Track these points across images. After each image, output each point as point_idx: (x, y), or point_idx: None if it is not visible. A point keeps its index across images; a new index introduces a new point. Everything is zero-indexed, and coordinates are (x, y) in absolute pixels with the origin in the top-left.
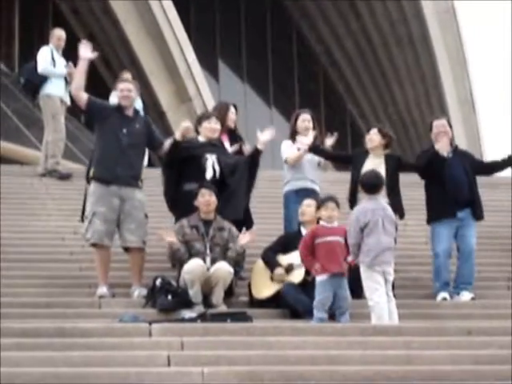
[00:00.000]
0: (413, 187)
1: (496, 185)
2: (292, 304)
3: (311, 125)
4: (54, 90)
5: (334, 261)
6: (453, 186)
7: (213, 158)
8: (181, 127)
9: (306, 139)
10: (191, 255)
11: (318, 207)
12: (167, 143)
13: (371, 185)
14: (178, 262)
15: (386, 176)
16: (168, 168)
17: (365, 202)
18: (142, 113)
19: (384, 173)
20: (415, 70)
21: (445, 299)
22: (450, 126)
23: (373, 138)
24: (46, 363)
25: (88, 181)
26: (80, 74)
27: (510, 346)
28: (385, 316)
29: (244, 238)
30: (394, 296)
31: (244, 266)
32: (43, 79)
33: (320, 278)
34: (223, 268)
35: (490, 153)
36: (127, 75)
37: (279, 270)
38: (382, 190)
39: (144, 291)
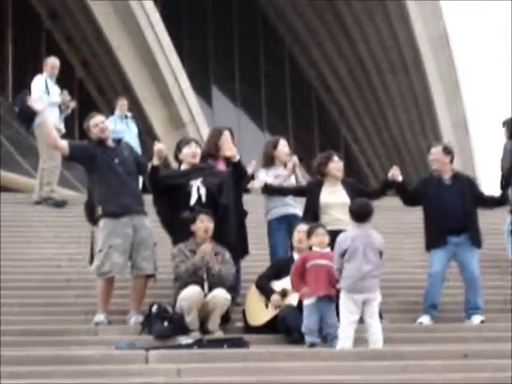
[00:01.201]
0: (406, 211)
1: None
2: (292, 326)
3: (286, 149)
4: (52, 116)
5: (321, 284)
6: (445, 213)
7: (197, 183)
8: (155, 150)
9: (257, 182)
10: (194, 280)
11: (309, 235)
12: (148, 168)
13: (359, 213)
14: (179, 277)
15: (351, 200)
16: (156, 195)
17: (350, 229)
18: (137, 140)
19: (346, 199)
20: (408, 95)
21: (420, 323)
22: (449, 153)
23: (341, 165)
24: None
25: (95, 221)
26: (47, 126)
27: (507, 369)
28: (348, 343)
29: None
30: (381, 318)
31: (240, 292)
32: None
33: (307, 302)
34: (221, 295)
35: (484, 175)
36: (123, 101)
37: (275, 297)
38: (369, 218)
39: (140, 318)
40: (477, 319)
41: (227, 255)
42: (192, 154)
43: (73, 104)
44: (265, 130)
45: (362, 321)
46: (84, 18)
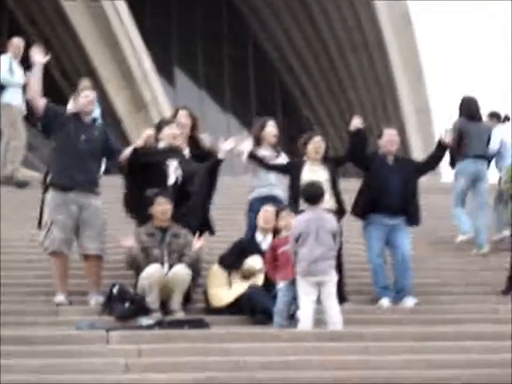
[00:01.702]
0: None
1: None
2: (258, 305)
3: (276, 130)
4: (13, 99)
5: (290, 269)
6: (385, 191)
7: (174, 164)
8: (144, 134)
9: (246, 144)
10: (149, 262)
11: (277, 216)
12: (127, 150)
13: (311, 196)
14: (136, 268)
15: (330, 180)
16: (130, 175)
17: (304, 213)
18: (99, 120)
19: (327, 176)
20: (370, 76)
21: (380, 306)
22: (403, 142)
23: (321, 146)
24: (4, 371)
25: (45, 189)
26: (35, 79)
27: (466, 351)
28: (307, 324)
29: (197, 243)
30: (344, 301)
31: (201, 273)
32: (1, 88)
33: (280, 285)
34: (180, 272)
35: (446, 160)
36: (87, 83)
37: (248, 263)
38: (321, 201)
39: (101, 299)
40: (410, 301)
41: (189, 237)
42: (172, 135)
43: None
44: (228, 112)
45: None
46: (48, 1)
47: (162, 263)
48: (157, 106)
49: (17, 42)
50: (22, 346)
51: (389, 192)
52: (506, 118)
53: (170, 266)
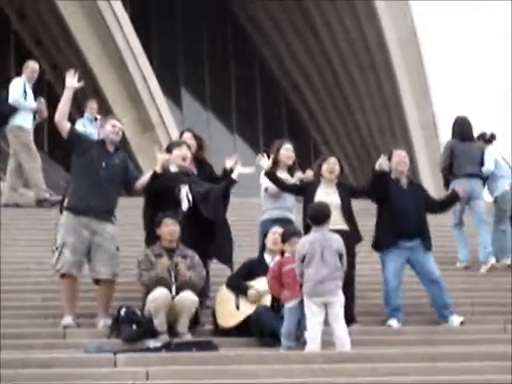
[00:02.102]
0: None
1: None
2: (266, 326)
3: (292, 154)
4: (24, 122)
5: (298, 288)
6: (401, 216)
7: (186, 188)
8: (161, 159)
9: (264, 162)
10: (157, 282)
11: (283, 240)
12: (146, 176)
13: (316, 216)
14: (144, 286)
15: (342, 203)
16: (149, 201)
17: (310, 234)
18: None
19: (339, 201)
20: (378, 97)
21: (389, 326)
22: (410, 159)
23: (335, 168)
24: None
25: (61, 211)
26: (65, 101)
27: (475, 372)
28: (314, 345)
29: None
30: (353, 322)
31: (209, 294)
32: (13, 110)
33: (288, 305)
34: (188, 297)
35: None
36: (93, 104)
37: (253, 290)
38: (327, 222)
39: (109, 321)
40: (456, 320)
41: (196, 258)
42: (183, 156)
43: (45, 114)
44: (235, 133)
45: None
46: (53, 20)
47: (170, 286)
48: (163, 127)
49: (32, 65)
50: (29, 368)
51: (405, 215)
52: (492, 137)
53: (178, 289)
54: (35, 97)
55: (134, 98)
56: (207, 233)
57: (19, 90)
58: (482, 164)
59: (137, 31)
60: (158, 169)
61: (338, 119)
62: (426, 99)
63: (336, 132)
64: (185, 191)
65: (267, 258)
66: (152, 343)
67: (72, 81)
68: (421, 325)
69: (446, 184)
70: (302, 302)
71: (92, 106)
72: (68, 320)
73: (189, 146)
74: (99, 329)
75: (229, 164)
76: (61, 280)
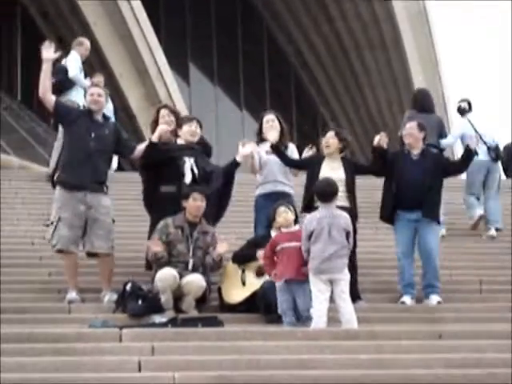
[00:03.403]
0: (381, 190)
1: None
2: (272, 301)
3: (276, 124)
4: (79, 99)
5: (289, 267)
6: (406, 188)
7: (191, 161)
8: (159, 129)
9: (245, 148)
10: (172, 255)
11: (273, 214)
12: (142, 146)
13: (324, 193)
14: (158, 266)
15: (346, 179)
16: (145, 170)
17: (317, 210)
18: (113, 116)
19: (343, 176)
20: (387, 73)
21: (402, 303)
22: (423, 129)
23: (330, 141)
24: (16, 369)
25: (53, 184)
26: (45, 75)
27: (482, 350)
28: (321, 323)
29: (221, 247)
30: (357, 299)
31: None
32: (71, 84)
33: (277, 284)
34: (195, 282)
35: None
36: (99, 78)
37: (260, 252)
38: (335, 198)
39: (114, 296)
40: (434, 299)
41: (216, 237)
42: (191, 132)
43: None
44: (242, 108)
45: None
46: None
47: (187, 259)
48: (171, 102)
49: (87, 43)
50: (34, 343)
51: (410, 186)
52: (464, 110)
53: (194, 264)
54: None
55: (141, 72)
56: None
57: (77, 65)
58: (441, 136)
59: (144, 4)
60: (155, 137)
61: (346, 95)
62: (435, 77)
63: (344, 108)
64: (189, 164)
65: (273, 233)
66: (158, 318)
67: (48, 53)
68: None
69: None
70: (289, 281)
71: (98, 79)
72: (72, 295)
73: (199, 123)
74: (104, 304)
75: (243, 150)
76: (60, 255)
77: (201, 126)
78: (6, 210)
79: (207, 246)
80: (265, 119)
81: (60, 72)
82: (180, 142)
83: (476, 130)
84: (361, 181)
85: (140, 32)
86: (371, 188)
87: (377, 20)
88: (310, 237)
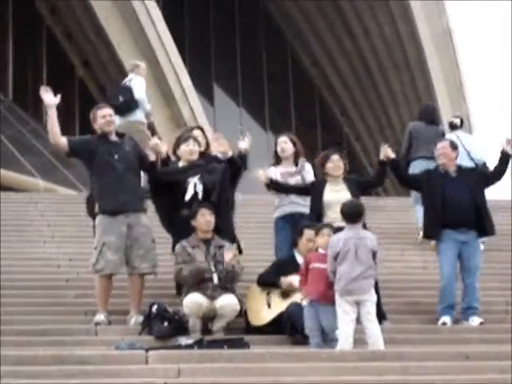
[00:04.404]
0: (407, 211)
1: (495, 208)
2: (298, 323)
3: (289, 145)
4: (144, 119)
5: (314, 288)
6: (450, 206)
7: (194, 180)
8: (150, 146)
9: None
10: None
11: (316, 234)
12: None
13: (350, 214)
14: (183, 281)
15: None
16: (154, 192)
17: (343, 231)
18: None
19: (349, 196)
20: (411, 93)
21: (444, 324)
22: (455, 148)
23: (339, 165)
24: None
25: (93, 217)
26: (52, 121)
27: (509, 371)
28: (347, 344)
29: (227, 255)
30: (383, 319)
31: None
32: (136, 106)
33: (303, 304)
34: (230, 306)
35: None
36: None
37: (285, 280)
38: (361, 219)
39: (140, 318)
40: (475, 321)
41: (232, 248)
42: (189, 151)
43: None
44: (267, 129)
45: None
46: (84, 15)
47: (212, 276)
48: (196, 124)
49: (144, 66)
50: (61, 365)
51: (456, 206)
52: (454, 125)
53: (219, 279)
54: None
55: (166, 94)
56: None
57: (144, 87)
58: None
59: (169, 27)
60: (152, 156)
61: (371, 115)
62: (460, 97)
63: (369, 128)
64: (193, 183)
65: (297, 256)
66: (184, 340)
67: (48, 97)
68: (453, 323)
69: (407, 165)
70: (314, 302)
71: (142, 65)
72: (100, 317)
73: (196, 140)
74: (131, 326)
75: (240, 144)
76: (99, 279)
77: (203, 131)
78: (32, 233)
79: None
80: (277, 142)
81: (126, 92)
82: (181, 163)
83: (464, 147)
84: (382, 202)
85: (165, 54)
86: (395, 209)
87: (401, 40)
88: (336, 258)
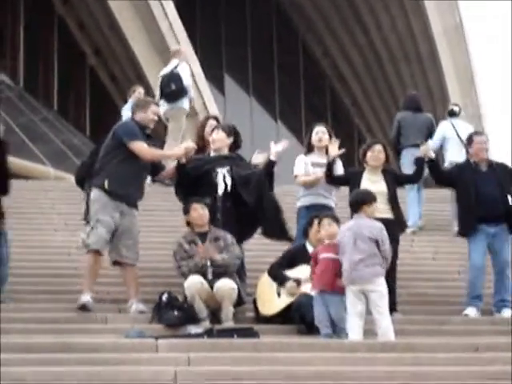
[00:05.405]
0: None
1: None
2: (306, 314)
3: (326, 136)
4: (187, 107)
5: (321, 278)
6: (481, 200)
7: (223, 171)
8: (183, 149)
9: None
10: (195, 270)
11: (318, 225)
12: (170, 167)
13: (352, 203)
14: (183, 276)
15: (388, 190)
16: (180, 188)
17: (347, 222)
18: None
19: (385, 188)
20: (422, 86)
21: (466, 315)
22: (488, 141)
23: (380, 156)
24: (52, 379)
25: (89, 187)
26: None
27: None
28: (353, 335)
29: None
30: (393, 311)
31: (245, 279)
32: (184, 93)
33: (313, 294)
34: (226, 286)
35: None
36: (140, 89)
37: (291, 283)
38: (361, 208)
39: (141, 306)
40: (507, 312)
41: (229, 238)
42: (218, 139)
43: None
44: (278, 120)
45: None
46: (97, 6)
47: (206, 270)
48: (206, 113)
49: (184, 50)
50: (71, 353)
51: (486, 199)
52: (452, 112)
53: (215, 274)
54: None
55: None
56: (246, 216)
57: (189, 74)
58: (430, 136)
59: (181, 17)
60: (183, 160)
61: (381, 107)
62: (471, 90)
63: (380, 121)
64: (222, 174)
65: (308, 246)
66: (193, 329)
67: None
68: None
69: (397, 154)
70: (322, 292)
71: (140, 90)
72: (87, 298)
73: (225, 130)
74: (131, 314)
75: (275, 148)
76: (89, 256)
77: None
78: (42, 221)
79: (221, 251)
80: (315, 130)
81: (177, 80)
82: (212, 153)
83: (458, 134)
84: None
85: (176, 44)
86: (403, 200)
87: (412, 33)
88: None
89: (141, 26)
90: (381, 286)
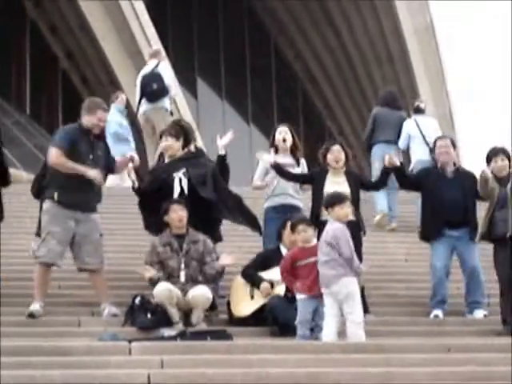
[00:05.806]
0: None
1: None
2: (280, 316)
3: (288, 136)
4: (168, 107)
5: (307, 284)
6: (444, 205)
7: (179, 175)
8: (95, 175)
9: (268, 156)
10: (167, 273)
11: (292, 231)
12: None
13: (324, 205)
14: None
15: (351, 192)
16: (143, 205)
17: None
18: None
19: (348, 190)
20: (394, 87)
21: (436, 317)
22: (454, 146)
23: (340, 156)
24: (26, 382)
25: (41, 198)
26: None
27: (491, 363)
28: (330, 337)
29: (226, 259)
30: (365, 313)
31: (219, 283)
32: (166, 93)
33: (300, 297)
34: (202, 296)
35: (469, 168)
36: (122, 95)
37: (265, 284)
38: (329, 212)
39: (113, 309)
40: (479, 313)
41: (208, 242)
42: (164, 147)
43: None
44: (250, 123)
45: None
46: (68, 7)
47: (179, 274)
48: (179, 117)
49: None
50: (44, 356)
51: (450, 205)
52: (418, 110)
53: (190, 277)
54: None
55: None
56: (207, 216)
57: (171, 73)
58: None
59: (152, 20)
60: (133, 184)
61: (353, 109)
62: (442, 91)
63: (352, 123)
64: (178, 178)
65: (282, 248)
66: (167, 332)
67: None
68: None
69: (368, 150)
70: (312, 296)
71: (123, 96)
72: (36, 306)
73: (172, 135)
74: (104, 317)
75: (221, 142)
76: (38, 267)
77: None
78: (14, 224)
79: (200, 255)
80: (278, 130)
81: (159, 79)
82: (166, 159)
83: (421, 131)
84: (362, 194)
85: (148, 47)
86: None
87: (383, 34)
88: None
89: (111, 26)
90: (347, 288)
